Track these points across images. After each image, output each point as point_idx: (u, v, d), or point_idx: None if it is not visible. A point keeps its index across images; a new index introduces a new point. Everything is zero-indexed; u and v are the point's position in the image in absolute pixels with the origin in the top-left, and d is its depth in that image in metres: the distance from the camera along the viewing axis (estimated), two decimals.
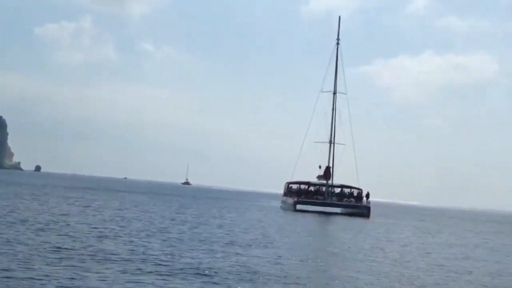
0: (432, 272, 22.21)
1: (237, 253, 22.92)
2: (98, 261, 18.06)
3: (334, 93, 75.07)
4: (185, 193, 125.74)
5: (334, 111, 74.92)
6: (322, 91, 75.65)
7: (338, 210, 73.29)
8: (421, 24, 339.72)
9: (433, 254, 29.76)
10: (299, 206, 69.02)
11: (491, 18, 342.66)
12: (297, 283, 17.14)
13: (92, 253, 19.66)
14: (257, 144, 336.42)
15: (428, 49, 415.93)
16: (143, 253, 20.65)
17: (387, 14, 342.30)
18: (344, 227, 46.88)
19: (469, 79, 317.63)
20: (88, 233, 25.64)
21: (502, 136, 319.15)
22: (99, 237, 24.56)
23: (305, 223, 48.67)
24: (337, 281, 18.17)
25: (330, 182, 73.38)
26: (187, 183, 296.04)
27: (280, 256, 23.05)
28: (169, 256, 20.44)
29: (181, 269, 17.98)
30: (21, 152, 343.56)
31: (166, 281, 15.91)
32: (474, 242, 41.77)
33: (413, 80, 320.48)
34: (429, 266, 24.03)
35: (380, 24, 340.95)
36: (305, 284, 17.11)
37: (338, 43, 76.01)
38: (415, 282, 19.10)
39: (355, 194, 73.44)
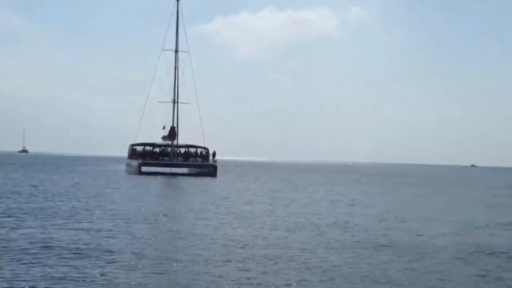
0: (276, 226, 22.32)
1: (77, 221, 21.57)
2: None
3: (176, 51, 73.83)
4: (22, 161, 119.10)
5: (176, 69, 73.86)
6: (164, 50, 74.24)
7: (184, 170, 72.79)
8: None
9: (278, 208, 30.15)
10: (144, 168, 67.63)
11: None
12: (143, 245, 16.29)
13: None
14: (99, 106, 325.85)
15: (269, 5, 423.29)
16: None
17: None
18: (189, 188, 46.48)
19: (311, 34, 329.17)
20: None
21: (343, 89, 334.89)
22: None
23: (150, 185, 47.64)
24: (180, 242, 17.57)
25: (175, 142, 72.62)
26: (24, 150, 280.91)
27: (125, 222, 22.03)
28: None
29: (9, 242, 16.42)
30: None
31: None
32: (317, 196, 43.16)
33: (255, 36, 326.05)
34: (273, 220, 24.20)
35: None
36: (151, 245, 16.32)
37: (178, 1, 74.53)
38: (258, 238, 18.98)
39: (201, 153, 73.39)
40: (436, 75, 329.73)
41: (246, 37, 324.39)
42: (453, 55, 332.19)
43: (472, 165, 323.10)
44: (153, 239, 18.05)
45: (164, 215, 24.86)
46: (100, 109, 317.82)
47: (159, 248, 16.55)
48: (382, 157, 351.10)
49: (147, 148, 74.09)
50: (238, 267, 14.17)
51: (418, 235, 21.05)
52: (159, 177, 61.63)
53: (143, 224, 21.50)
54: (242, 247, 17.00)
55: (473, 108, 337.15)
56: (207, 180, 59.37)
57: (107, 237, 17.94)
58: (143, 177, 61.52)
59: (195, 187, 46.22)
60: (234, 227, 21.40)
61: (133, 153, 74.39)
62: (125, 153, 79.88)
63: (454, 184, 74.89)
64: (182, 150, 73.84)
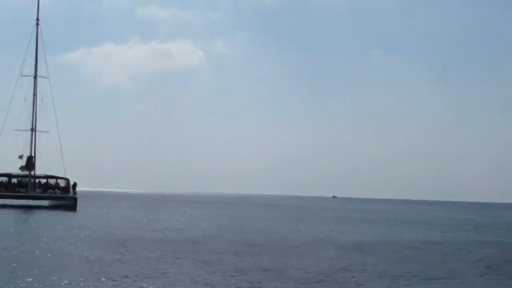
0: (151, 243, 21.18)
1: None
2: None
3: (35, 77, 70.35)
4: None
5: (35, 96, 70.28)
6: (22, 75, 70.43)
7: (44, 203, 68.96)
8: (124, 13, 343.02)
9: (140, 226, 28.98)
10: None
11: (193, 7, 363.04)
12: None
13: None
14: None
15: (134, 37, 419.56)
16: None
17: (90, 1, 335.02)
18: (44, 222, 43.70)
19: (175, 66, 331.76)
20: None
21: (206, 122, 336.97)
22: None
23: (2, 220, 44.32)
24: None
25: (33, 173, 68.76)
26: None
27: None
28: None
29: None
30: None
31: None
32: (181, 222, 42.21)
33: (120, 67, 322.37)
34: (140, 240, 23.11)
35: (82, 12, 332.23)
36: None
37: (38, 24, 71.11)
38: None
39: (62, 184, 70.04)
40: (304, 108, 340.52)
41: (110, 68, 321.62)
42: (318, 87, 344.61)
43: (333, 196, 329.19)
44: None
45: (8, 256, 22.77)
46: None
47: None
48: (250, 188, 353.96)
49: (3, 179, 69.72)
50: None
51: None
52: (14, 211, 57.79)
53: None
54: None
55: (336, 137, 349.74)
56: (65, 213, 56.38)
57: None
58: None
59: (47, 222, 43.49)
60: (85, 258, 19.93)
61: None
62: None
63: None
64: (43, 181, 70.13)
